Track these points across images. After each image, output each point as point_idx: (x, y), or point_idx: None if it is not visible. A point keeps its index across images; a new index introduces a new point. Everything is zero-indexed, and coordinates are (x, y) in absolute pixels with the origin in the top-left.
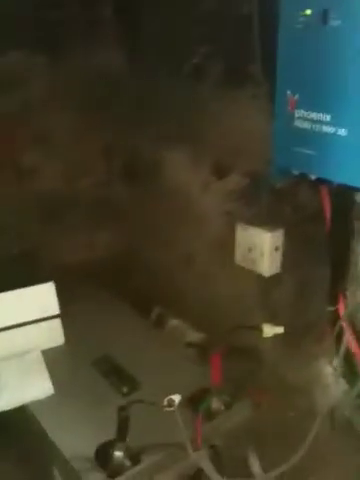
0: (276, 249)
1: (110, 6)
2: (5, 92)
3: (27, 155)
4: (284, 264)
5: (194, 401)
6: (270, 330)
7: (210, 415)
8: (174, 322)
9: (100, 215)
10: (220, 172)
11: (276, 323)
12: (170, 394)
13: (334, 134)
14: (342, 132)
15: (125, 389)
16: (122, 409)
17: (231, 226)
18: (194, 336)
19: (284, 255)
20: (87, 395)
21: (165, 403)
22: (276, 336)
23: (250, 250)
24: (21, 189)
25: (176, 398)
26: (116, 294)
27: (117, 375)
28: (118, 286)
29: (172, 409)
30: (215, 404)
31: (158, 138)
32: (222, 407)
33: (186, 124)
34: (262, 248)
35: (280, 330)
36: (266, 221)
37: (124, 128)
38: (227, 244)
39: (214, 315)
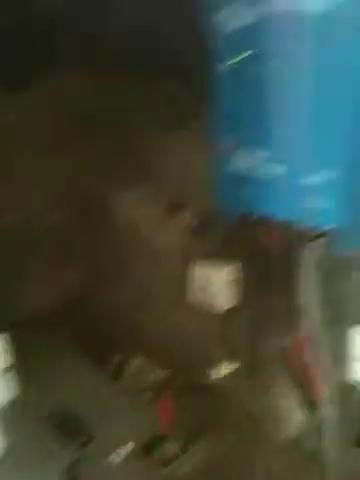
0: (231, 284)
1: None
2: None
3: None
4: (240, 298)
5: (148, 448)
6: (223, 368)
7: (165, 461)
8: (135, 362)
9: (55, 258)
10: (173, 210)
11: (236, 357)
12: (125, 444)
13: (271, 174)
14: (278, 172)
15: (79, 442)
16: (71, 466)
17: (187, 263)
18: (157, 375)
19: (239, 290)
20: (40, 450)
21: (113, 456)
22: (235, 370)
23: (206, 286)
24: None
25: (124, 451)
26: (73, 340)
27: (71, 427)
28: (76, 331)
29: (121, 461)
30: (168, 450)
31: (110, 175)
32: (177, 451)
33: (137, 163)
34: (217, 284)
35: (234, 367)
36: (220, 257)
37: (79, 168)
38: (183, 280)
39: (175, 353)
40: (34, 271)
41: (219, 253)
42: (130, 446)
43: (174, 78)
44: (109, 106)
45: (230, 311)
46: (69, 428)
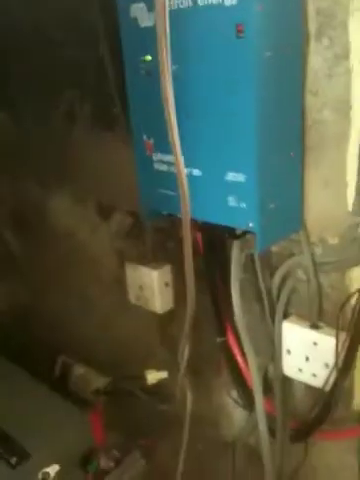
0: (166, 285)
1: None
2: None
3: None
4: (175, 299)
5: (83, 463)
6: (154, 376)
7: (100, 475)
8: (79, 370)
9: None
10: (104, 213)
11: (173, 359)
12: (58, 460)
13: (189, 175)
14: (195, 173)
15: (14, 460)
16: None
17: (122, 266)
18: (101, 382)
19: (174, 291)
20: None
21: (40, 477)
22: (174, 373)
23: (141, 289)
24: None
25: (52, 470)
26: (16, 350)
27: (5, 445)
28: (18, 341)
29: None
30: (104, 463)
31: (41, 184)
32: (111, 464)
33: (65, 168)
34: (152, 286)
35: (164, 375)
36: (153, 259)
37: (7, 176)
38: (121, 284)
39: (118, 358)
40: None
41: (152, 255)
42: (57, 467)
43: (94, 82)
44: (28, 114)
45: (167, 313)
46: (3, 444)
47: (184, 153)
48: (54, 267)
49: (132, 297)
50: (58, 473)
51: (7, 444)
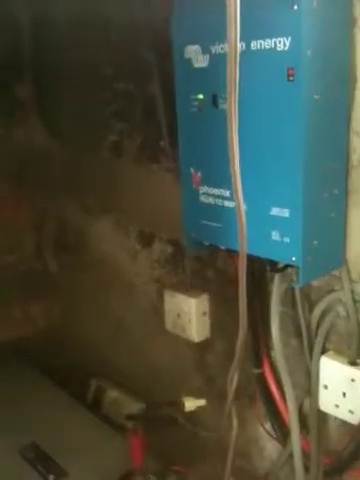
0: (203, 314)
1: (29, 87)
2: None
3: None
4: (212, 329)
5: None
6: (192, 404)
7: None
8: (113, 394)
9: (31, 288)
10: (145, 240)
11: (212, 388)
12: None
13: (234, 209)
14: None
15: (51, 478)
16: None
17: (160, 293)
18: (134, 407)
19: (211, 320)
20: None
21: None
22: (208, 402)
23: (179, 316)
24: None
25: None
26: (51, 370)
27: (44, 463)
28: (53, 362)
29: None
30: None
31: (84, 209)
32: None
33: (110, 196)
34: (189, 314)
35: (201, 403)
36: (191, 287)
37: (51, 201)
38: (158, 311)
39: (152, 384)
40: (9, 301)
41: (191, 284)
42: None
43: (143, 115)
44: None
45: (203, 342)
46: (41, 463)
47: (230, 187)
48: (92, 291)
49: (169, 324)
50: None
51: (45, 462)
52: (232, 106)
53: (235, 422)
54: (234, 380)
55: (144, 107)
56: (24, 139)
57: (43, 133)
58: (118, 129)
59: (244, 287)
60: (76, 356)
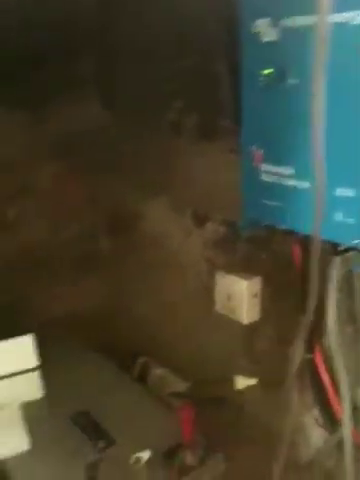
0: (254, 296)
1: (91, 64)
2: None
3: (11, 207)
4: (262, 311)
5: (169, 456)
6: (243, 382)
7: (184, 470)
8: (158, 372)
9: (84, 266)
10: (199, 221)
11: (258, 370)
12: (145, 449)
13: (297, 188)
14: (304, 186)
15: (101, 444)
16: (90, 467)
17: (211, 274)
18: (179, 386)
19: (262, 302)
20: (63, 450)
21: (133, 460)
22: (255, 384)
23: (229, 298)
24: (4, 240)
25: (144, 455)
26: (99, 346)
27: (94, 430)
28: (101, 337)
29: (140, 466)
30: (189, 459)
31: (139, 189)
32: (196, 462)
33: (165, 175)
34: (240, 296)
35: (253, 382)
36: (243, 269)
37: (107, 180)
38: (208, 292)
39: (198, 363)
40: (62, 277)
41: (243, 266)
42: (149, 453)
43: (204, 93)
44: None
45: (253, 324)
46: (91, 430)
47: (296, 165)
48: (143, 270)
49: (218, 305)
50: (148, 460)
51: (95, 429)
52: (319, 83)
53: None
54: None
55: (206, 85)
56: (81, 117)
57: (100, 111)
58: (177, 107)
59: (316, 272)
60: (125, 334)
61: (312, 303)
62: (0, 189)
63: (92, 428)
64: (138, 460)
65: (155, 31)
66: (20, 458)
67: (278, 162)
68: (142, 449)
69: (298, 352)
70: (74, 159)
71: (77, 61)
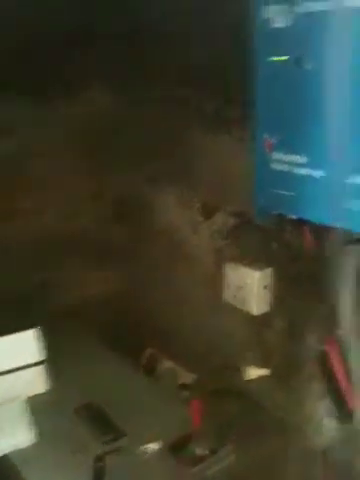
0: (265, 288)
1: (95, 52)
2: None
3: (21, 198)
4: (273, 303)
5: (178, 447)
6: (255, 372)
7: (194, 461)
8: (166, 364)
9: (94, 257)
10: (208, 212)
11: (269, 361)
12: (154, 441)
13: (310, 176)
14: (318, 174)
15: (108, 437)
16: (98, 459)
17: (221, 265)
18: (187, 377)
19: (273, 294)
20: (70, 444)
21: (142, 452)
22: (267, 375)
23: (239, 289)
24: (17, 232)
25: (154, 446)
26: (109, 336)
27: (101, 423)
28: (111, 327)
29: (150, 457)
30: (199, 450)
31: (148, 179)
32: (206, 452)
33: (176, 166)
34: (251, 287)
35: (265, 372)
36: (254, 260)
37: (116, 171)
38: (217, 283)
39: (207, 355)
40: (74, 267)
41: (254, 256)
42: (159, 444)
43: (214, 78)
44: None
45: (264, 315)
46: (100, 422)
47: (309, 153)
48: (153, 261)
49: (228, 296)
50: (158, 451)
51: (104, 422)
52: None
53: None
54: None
55: (215, 74)
56: (90, 107)
57: (109, 100)
58: (188, 96)
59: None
60: (134, 325)
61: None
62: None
63: (101, 420)
64: (147, 451)
65: (162, 16)
66: (27, 452)
67: (291, 150)
68: (151, 441)
69: (308, 343)
70: (83, 149)
71: (84, 48)
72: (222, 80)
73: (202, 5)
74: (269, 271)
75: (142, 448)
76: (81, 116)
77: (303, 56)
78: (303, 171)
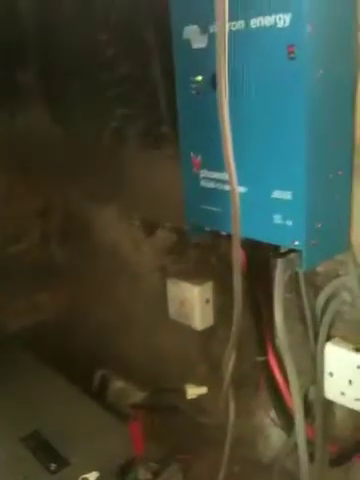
0: (207, 302)
1: (30, 70)
2: None
3: None
4: (216, 316)
5: (121, 474)
6: (194, 391)
7: None
8: (118, 383)
9: (36, 279)
10: (148, 229)
11: (216, 376)
12: (99, 468)
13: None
14: (241, 189)
15: (53, 466)
16: None
17: (165, 281)
18: (138, 396)
19: (215, 307)
20: (14, 475)
21: None
22: (212, 390)
23: (182, 304)
24: None
25: (92, 477)
26: (57, 360)
27: (46, 452)
28: (56, 352)
29: None
30: (142, 474)
31: (88, 198)
32: (149, 476)
33: (113, 183)
34: (192, 302)
35: (203, 391)
36: (194, 275)
37: (56, 190)
38: (162, 300)
39: (156, 372)
40: (15, 292)
41: (194, 271)
42: (96, 474)
43: (144, 101)
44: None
45: (208, 329)
46: (43, 451)
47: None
48: (97, 280)
49: (172, 313)
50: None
51: (47, 451)
52: (222, 86)
53: (232, 405)
54: (230, 365)
55: (146, 92)
56: (27, 125)
57: (46, 119)
58: (120, 115)
59: (239, 270)
60: (81, 345)
61: (237, 310)
62: None
63: (44, 450)
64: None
65: (91, 37)
66: None
67: (215, 168)
68: (95, 468)
69: (232, 359)
70: (22, 168)
71: (19, 69)
72: (151, 98)
73: (130, 19)
74: (210, 285)
75: (80, 478)
76: (19, 136)
77: (216, 76)
78: (228, 188)
